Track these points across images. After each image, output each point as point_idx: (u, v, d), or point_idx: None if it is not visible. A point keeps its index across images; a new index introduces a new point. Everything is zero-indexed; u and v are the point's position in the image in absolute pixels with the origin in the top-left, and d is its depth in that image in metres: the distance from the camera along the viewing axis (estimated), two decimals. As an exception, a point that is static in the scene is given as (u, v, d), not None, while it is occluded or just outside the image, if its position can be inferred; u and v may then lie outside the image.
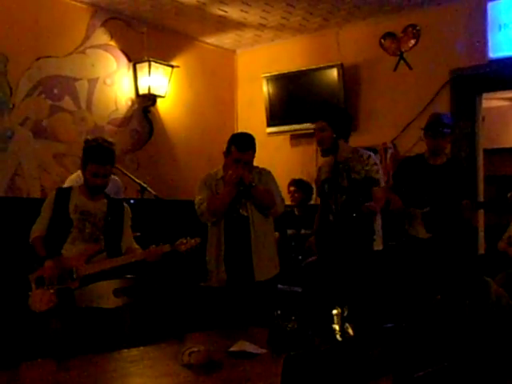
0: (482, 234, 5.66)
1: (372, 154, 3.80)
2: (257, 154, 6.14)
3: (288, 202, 5.54)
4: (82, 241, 3.37)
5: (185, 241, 3.38)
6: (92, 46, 5.55)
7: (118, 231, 3.52)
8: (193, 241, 3.40)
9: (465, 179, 3.91)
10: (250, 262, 3.63)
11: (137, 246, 3.59)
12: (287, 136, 6.39)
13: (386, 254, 3.83)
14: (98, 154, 3.38)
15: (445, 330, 3.16)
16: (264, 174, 3.79)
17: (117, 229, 3.51)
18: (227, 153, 3.70)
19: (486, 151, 6.02)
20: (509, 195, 3.29)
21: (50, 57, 5.22)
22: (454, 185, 3.76)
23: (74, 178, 4.51)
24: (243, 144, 3.67)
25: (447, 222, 3.68)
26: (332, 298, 2.57)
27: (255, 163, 3.97)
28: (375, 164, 3.70)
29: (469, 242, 3.89)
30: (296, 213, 5.59)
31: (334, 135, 3.56)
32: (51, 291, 3.14)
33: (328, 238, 3.79)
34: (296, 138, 6.27)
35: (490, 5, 5.18)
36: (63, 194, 3.49)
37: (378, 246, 3.72)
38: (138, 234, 3.81)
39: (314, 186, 4.47)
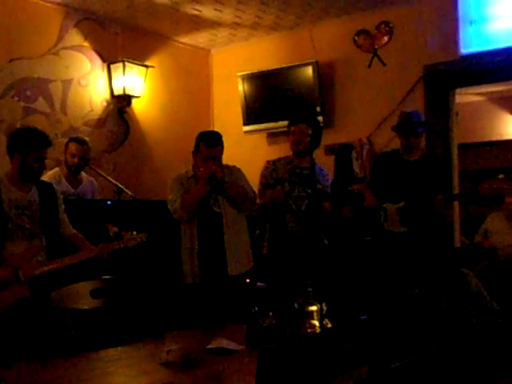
0: (457, 228, 5.73)
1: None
2: (233, 153, 6.18)
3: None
4: (22, 239, 3.25)
5: (131, 236, 3.36)
6: (65, 47, 5.49)
7: (55, 219, 3.42)
8: (139, 236, 3.40)
9: (440, 174, 3.97)
10: (224, 257, 3.70)
11: (75, 231, 3.54)
12: (264, 134, 6.40)
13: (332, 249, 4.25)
14: (40, 139, 3.40)
15: (421, 322, 3.19)
16: (234, 170, 3.88)
17: (53, 217, 3.41)
18: (196, 151, 3.77)
19: (460, 146, 6.10)
20: (479, 188, 3.34)
21: (22, 58, 5.16)
22: (429, 179, 3.82)
23: (52, 174, 4.47)
24: (211, 140, 3.75)
25: (422, 216, 3.74)
26: (296, 292, 2.61)
27: (232, 161, 4.04)
28: (328, 180, 4.24)
29: (444, 235, 3.95)
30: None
31: (311, 140, 3.82)
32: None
33: (286, 239, 4.04)
34: (273, 136, 6.28)
35: (460, 1, 5.25)
36: None
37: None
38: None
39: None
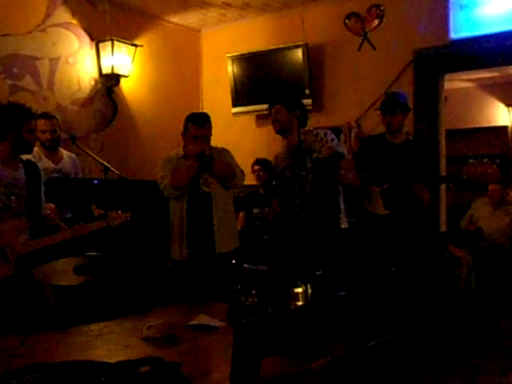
0: (443, 212, 5.77)
1: (327, 131, 3.90)
2: (222, 134, 6.18)
3: (253, 181, 5.57)
4: (10, 216, 3.24)
5: (116, 215, 3.37)
6: (53, 25, 5.45)
7: (38, 199, 3.43)
8: (124, 215, 3.42)
9: (424, 158, 3.97)
10: (212, 236, 3.75)
11: (48, 212, 3.57)
12: (253, 116, 6.40)
13: (351, 232, 3.96)
14: (24, 110, 3.36)
15: (403, 301, 3.23)
16: (222, 152, 3.92)
17: (37, 196, 3.42)
18: (185, 132, 3.81)
19: (448, 132, 6.12)
20: (464, 170, 3.34)
21: (9, 35, 5.12)
22: (413, 163, 3.83)
23: (31, 155, 4.44)
24: (199, 119, 3.80)
25: (405, 199, 3.75)
26: (296, 276, 2.62)
27: (221, 143, 4.05)
28: (333, 139, 3.80)
29: (426, 219, 3.97)
30: (261, 192, 5.63)
31: (290, 115, 3.75)
32: None
33: (295, 221, 3.88)
34: (261, 118, 6.26)
35: (451, -15, 5.24)
36: None
37: (344, 224, 3.90)
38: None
39: None
